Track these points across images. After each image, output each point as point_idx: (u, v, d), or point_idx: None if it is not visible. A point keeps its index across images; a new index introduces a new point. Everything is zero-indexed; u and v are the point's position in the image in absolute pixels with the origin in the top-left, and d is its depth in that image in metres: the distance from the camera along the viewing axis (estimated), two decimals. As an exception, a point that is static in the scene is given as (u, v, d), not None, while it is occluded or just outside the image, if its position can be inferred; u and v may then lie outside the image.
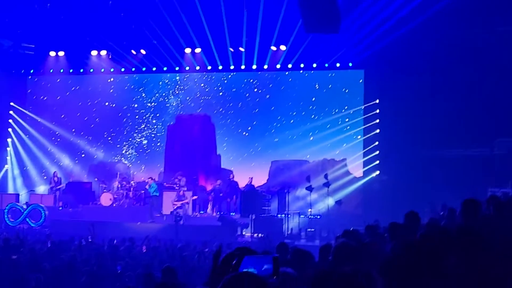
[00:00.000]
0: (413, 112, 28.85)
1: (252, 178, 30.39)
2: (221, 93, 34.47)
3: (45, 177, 35.00)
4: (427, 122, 28.84)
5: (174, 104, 35.02)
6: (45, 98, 36.34)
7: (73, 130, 35.47)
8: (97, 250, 18.63)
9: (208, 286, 4.23)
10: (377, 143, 30.90)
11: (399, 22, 27.43)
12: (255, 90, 33.93)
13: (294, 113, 33.17)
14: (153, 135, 35.26)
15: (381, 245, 7.87)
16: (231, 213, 29.26)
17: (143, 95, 35.40)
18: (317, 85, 33.03)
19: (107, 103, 35.54)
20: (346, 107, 32.25)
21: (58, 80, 35.88)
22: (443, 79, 28.32)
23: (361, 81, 32.04)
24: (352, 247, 6.68)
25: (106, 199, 30.22)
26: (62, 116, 35.59)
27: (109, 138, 35.56)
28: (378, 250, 7.31)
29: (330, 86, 32.78)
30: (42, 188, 34.38)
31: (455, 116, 28.05)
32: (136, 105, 35.38)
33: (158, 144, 35.16)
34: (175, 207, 28.28)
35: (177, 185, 29.87)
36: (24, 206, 29.82)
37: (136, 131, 35.33)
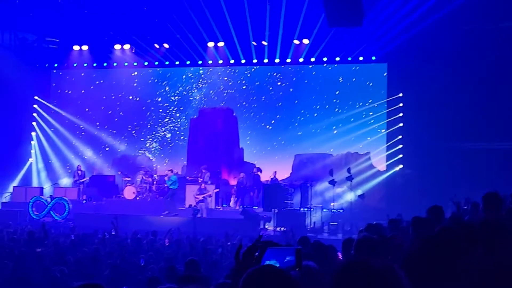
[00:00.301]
0: (436, 105, 28.70)
1: (276, 172, 30.40)
2: (244, 87, 34.44)
3: (69, 171, 35.22)
4: (450, 115, 28.63)
5: (197, 98, 35.05)
6: (69, 91, 36.52)
7: (97, 123, 35.62)
8: (121, 243, 18.71)
9: (231, 279, 4.24)
10: (400, 136, 30.71)
11: (422, 15, 27.32)
12: (278, 83, 33.85)
13: (318, 107, 33.07)
14: (176, 129, 35.33)
15: (404, 239, 7.84)
16: (254, 207, 29.26)
17: (167, 88, 35.50)
18: (340, 79, 32.87)
19: (130, 97, 35.68)
20: (370, 101, 32.07)
21: (82, 74, 36.03)
22: (467, 72, 28.09)
23: (385, 74, 31.83)
24: (375, 241, 6.67)
25: (129, 193, 30.40)
26: (86, 109, 35.77)
27: (133, 132, 35.67)
28: (401, 244, 7.29)
29: (354, 80, 32.59)
30: (65, 181, 34.60)
31: (479, 109, 27.81)
32: (159, 99, 35.48)
33: (182, 137, 35.23)
34: (197, 201, 28.34)
35: (201, 178, 29.92)
36: (48, 199, 30.04)
37: (160, 124, 35.44)
